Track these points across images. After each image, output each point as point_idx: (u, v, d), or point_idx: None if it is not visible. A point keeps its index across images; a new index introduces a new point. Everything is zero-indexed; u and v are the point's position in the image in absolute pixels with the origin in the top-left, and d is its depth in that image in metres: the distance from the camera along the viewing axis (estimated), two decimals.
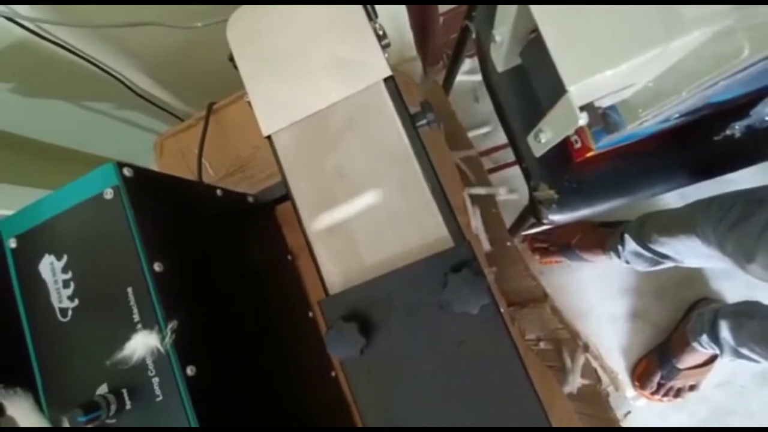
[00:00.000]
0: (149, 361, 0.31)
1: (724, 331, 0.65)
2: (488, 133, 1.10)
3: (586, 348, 0.72)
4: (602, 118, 0.27)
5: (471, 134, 0.87)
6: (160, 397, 0.31)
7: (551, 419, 0.31)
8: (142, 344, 0.31)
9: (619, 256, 0.77)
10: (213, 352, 0.36)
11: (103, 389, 0.32)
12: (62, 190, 0.32)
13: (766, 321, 0.59)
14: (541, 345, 0.76)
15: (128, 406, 0.31)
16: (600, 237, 0.83)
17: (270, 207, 0.50)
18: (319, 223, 0.39)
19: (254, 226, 0.48)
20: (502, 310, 0.33)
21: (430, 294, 0.33)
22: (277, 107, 0.41)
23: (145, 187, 0.32)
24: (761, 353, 0.58)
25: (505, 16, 0.31)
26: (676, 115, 0.34)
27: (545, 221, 0.49)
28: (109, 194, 0.30)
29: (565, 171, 0.44)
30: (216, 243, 0.41)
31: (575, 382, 0.71)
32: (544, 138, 0.28)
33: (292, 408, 0.45)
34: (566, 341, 0.73)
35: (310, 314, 0.52)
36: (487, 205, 0.75)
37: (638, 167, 0.43)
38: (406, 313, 0.33)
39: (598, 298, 0.88)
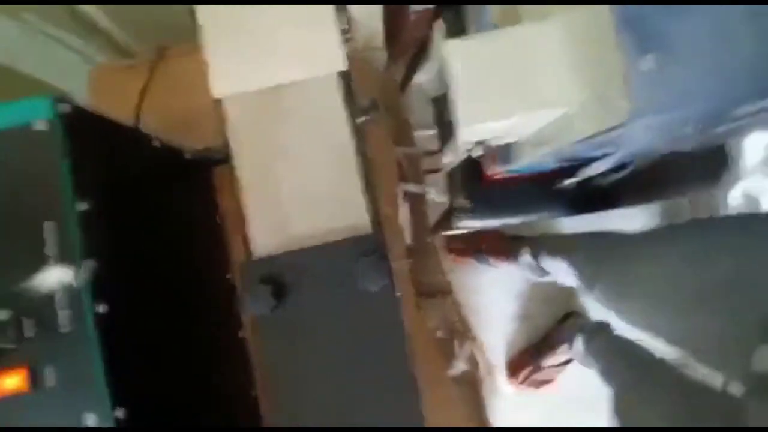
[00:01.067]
0: (60, 296, 0.32)
1: (578, 343, 0.80)
2: (435, 135, 1.17)
3: (473, 340, 0.84)
4: (497, 151, 0.34)
5: (419, 133, 0.93)
6: (68, 329, 0.32)
7: (431, 394, 0.39)
8: (54, 278, 0.32)
9: (517, 265, 0.90)
10: (128, 294, 0.37)
11: (3, 314, 0.32)
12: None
13: (608, 341, 0.74)
14: (438, 333, 0.87)
15: (30, 334, 0.32)
16: (506, 246, 0.95)
17: (208, 167, 0.51)
18: (254, 191, 0.42)
19: (188, 182, 0.49)
20: (398, 294, 0.39)
21: (341, 270, 0.38)
22: (232, 73, 0.42)
23: (80, 126, 0.32)
24: (597, 366, 0.73)
25: (436, 52, 0.36)
26: (559, 162, 0.43)
27: (457, 227, 0.56)
28: (41, 125, 0.30)
29: (478, 187, 0.52)
30: (146, 192, 0.42)
31: (458, 367, 0.83)
32: (446, 159, 0.34)
33: (199, 358, 0.48)
34: (459, 332, 0.84)
35: (228, 276, 0.55)
36: (417, 202, 0.82)
37: (534, 194, 0.52)
38: (318, 284, 0.38)
39: (496, 298, 1.01)
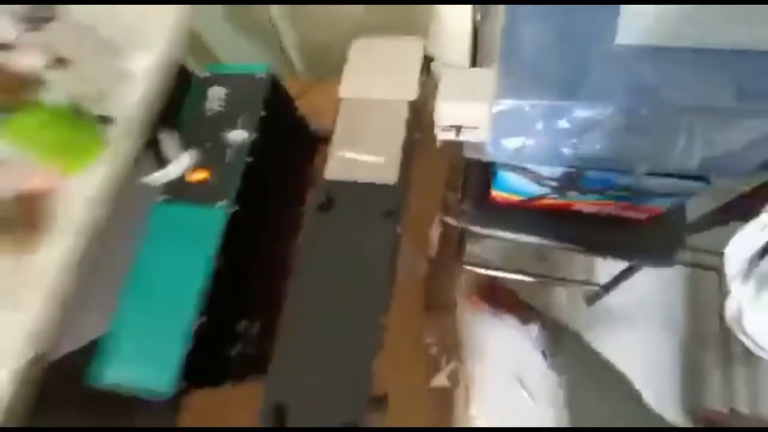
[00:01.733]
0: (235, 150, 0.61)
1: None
2: None
3: (461, 361, 0.92)
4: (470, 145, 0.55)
5: None
6: (230, 159, 0.60)
7: (407, 399, 0.56)
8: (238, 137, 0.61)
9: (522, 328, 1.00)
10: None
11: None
12: (245, 65, 0.65)
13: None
14: (432, 350, 0.97)
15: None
16: (521, 309, 1.05)
17: (317, 140, 0.81)
18: (338, 147, 0.69)
19: (306, 142, 0.79)
20: (398, 230, 0.60)
21: (367, 204, 0.61)
22: (352, 85, 0.73)
23: (275, 82, 0.64)
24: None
25: None
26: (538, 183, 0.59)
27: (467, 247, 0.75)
28: (260, 75, 0.63)
29: (484, 202, 0.71)
30: (288, 132, 0.72)
31: (440, 380, 0.91)
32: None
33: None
34: (450, 349, 0.94)
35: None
36: (450, 230, 1.01)
37: (524, 216, 0.69)
38: (353, 206, 0.61)
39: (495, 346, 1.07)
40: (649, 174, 0.50)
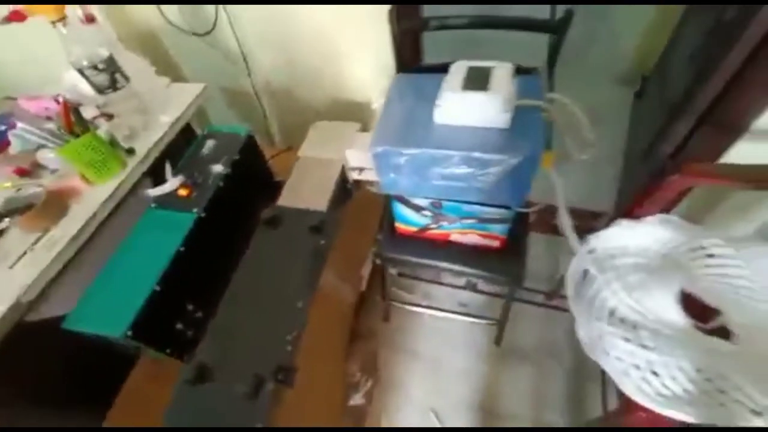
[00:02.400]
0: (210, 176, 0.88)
1: None
2: None
3: (378, 380, 1.05)
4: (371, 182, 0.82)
5: None
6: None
7: (325, 415, 0.78)
8: (215, 171, 0.88)
9: None
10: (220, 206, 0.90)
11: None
12: (232, 126, 0.96)
13: None
14: (356, 377, 1.10)
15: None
16: None
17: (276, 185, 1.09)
18: (291, 189, 0.96)
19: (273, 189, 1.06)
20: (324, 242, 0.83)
21: (304, 225, 0.85)
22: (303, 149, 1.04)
23: (251, 141, 0.95)
24: None
25: None
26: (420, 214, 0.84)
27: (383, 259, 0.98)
28: (242, 134, 0.93)
29: (393, 235, 0.96)
30: (254, 175, 1.00)
31: (356, 398, 1.02)
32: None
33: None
34: (371, 371, 1.07)
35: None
36: (378, 269, 1.22)
37: (418, 245, 0.93)
38: (293, 226, 0.86)
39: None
40: (471, 203, 0.77)
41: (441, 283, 1.39)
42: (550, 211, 0.83)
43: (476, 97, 0.63)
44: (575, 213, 0.83)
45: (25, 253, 0.68)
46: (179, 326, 0.76)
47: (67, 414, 0.77)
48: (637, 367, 0.73)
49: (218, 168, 0.86)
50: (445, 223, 0.86)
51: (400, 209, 0.87)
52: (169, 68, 1.28)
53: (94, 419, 0.78)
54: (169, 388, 0.69)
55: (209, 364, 0.70)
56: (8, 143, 0.83)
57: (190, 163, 0.89)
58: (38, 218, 0.70)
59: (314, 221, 0.86)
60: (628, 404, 0.74)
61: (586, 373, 1.16)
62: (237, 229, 0.88)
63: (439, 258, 0.92)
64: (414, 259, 0.94)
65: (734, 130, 0.95)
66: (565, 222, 0.80)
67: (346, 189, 1.02)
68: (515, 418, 1.10)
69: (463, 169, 0.68)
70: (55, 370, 0.74)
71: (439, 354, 1.23)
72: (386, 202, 1.00)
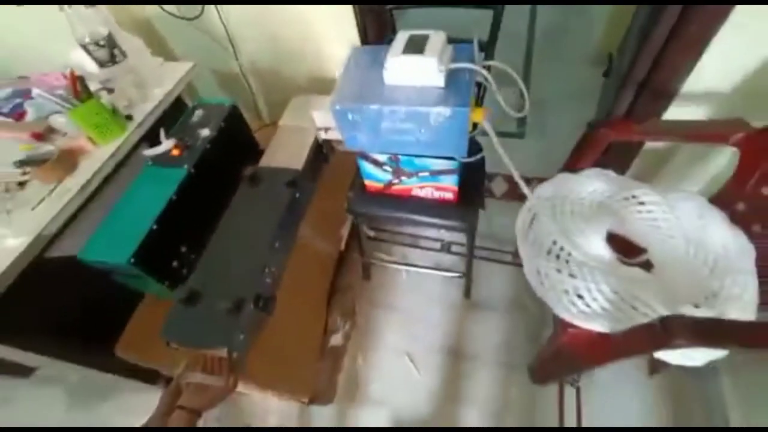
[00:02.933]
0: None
1: None
2: None
3: (355, 323, 1.18)
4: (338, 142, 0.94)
5: None
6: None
7: (305, 355, 0.91)
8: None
9: None
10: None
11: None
12: (219, 99, 1.08)
13: None
14: (337, 322, 1.23)
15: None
16: None
17: (258, 152, 1.22)
18: (271, 151, 1.09)
19: (257, 154, 1.19)
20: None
21: (282, 181, 0.98)
22: (289, 117, 1.16)
23: (235, 111, 1.07)
24: None
25: None
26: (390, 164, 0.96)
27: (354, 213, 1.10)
28: (228, 105, 1.06)
29: (363, 192, 1.08)
30: (236, 141, 1.13)
31: (336, 340, 1.16)
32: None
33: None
34: (348, 315, 1.20)
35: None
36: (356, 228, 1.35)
37: (385, 199, 1.05)
38: (273, 182, 0.98)
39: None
40: (423, 156, 0.89)
41: (418, 246, 1.52)
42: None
43: (414, 59, 0.75)
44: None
45: (43, 199, 0.81)
46: (175, 264, 0.90)
47: (81, 340, 0.90)
48: (566, 292, 0.86)
49: (206, 132, 0.99)
50: (404, 178, 0.99)
51: (365, 166, 1.00)
52: (162, 50, 1.41)
53: (105, 346, 0.92)
54: None
55: (199, 290, 0.83)
56: (24, 114, 0.96)
57: (182, 128, 1.02)
58: (53, 171, 0.84)
59: (290, 177, 0.98)
60: (561, 324, 0.86)
61: (546, 322, 1.28)
62: (223, 185, 1.01)
63: (402, 210, 1.05)
64: (380, 213, 1.07)
65: (666, 95, 1.06)
66: (511, 168, 0.91)
67: (322, 153, 1.14)
68: (480, 359, 1.23)
69: (408, 124, 0.80)
70: (72, 302, 0.88)
71: (413, 307, 1.36)
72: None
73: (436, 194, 1.01)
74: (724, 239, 0.87)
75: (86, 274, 0.81)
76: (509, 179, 1.63)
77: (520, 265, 1.49)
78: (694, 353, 0.78)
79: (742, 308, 0.77)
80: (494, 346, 1.26)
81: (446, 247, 1.51)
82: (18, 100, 0.98)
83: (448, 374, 1.22)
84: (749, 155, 0.86)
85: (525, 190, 0.91)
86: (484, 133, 0.83)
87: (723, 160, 1.10)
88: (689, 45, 0.93)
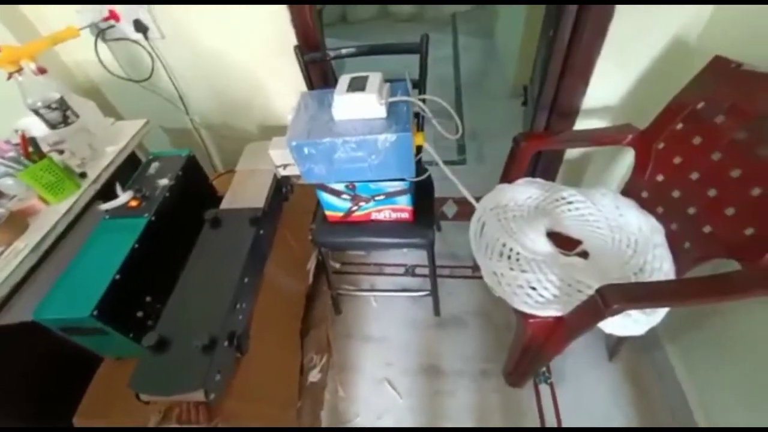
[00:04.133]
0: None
1: None
2: None
3: (331, 356, 1.17)
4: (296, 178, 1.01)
5: None
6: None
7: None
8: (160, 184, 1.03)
9: None
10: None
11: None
12: (175, 150, 1.12)
13: None
14: (313, 359, 1.21)
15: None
16: None
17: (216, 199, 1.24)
18: (231, 195, 1.12)
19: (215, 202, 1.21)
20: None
21: (245, 220, 1.01)
22: (240, 165, 1.22)
23: (193, 161, 1.11)
24: None
25: None
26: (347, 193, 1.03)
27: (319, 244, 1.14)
28: (183, 156, 1.09)
29: (325, 223, 1.14)
30: (195, 193, 1.15)
31: (313, 374, 1.14)
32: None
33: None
34: (324, 349, 1.19)
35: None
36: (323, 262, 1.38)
37: (344, 228, 1.11)
38: (235, 223, 1.01)
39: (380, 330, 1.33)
40: (376, 180, 0.98)
41: (384, 274, 1.57)
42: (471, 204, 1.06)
43: (357, 96, 0.86)
44: None
45: None
46: (139, 314, 0.87)
47: (38, 410, 0.82)
48: (521, 287, 0.95)
49: (164, 181, 1.02)
50: (363, 203, 1.06)
51: (325, 197, 1.06)
52: (112, 113, 1.43)
53: (64, 413, 0.84)
54: None
55: (167, 335, 0.81)
56: None
57: (139, 180, 1.03)
58: (1, 233, 0.81)
59: (252, 215, 1.02)
60: (521, 317, 0.94)
61: (511, 326, 1.36)
62: (184, 231, 1.01)
63: (364, 235, 1.11)
64: (343, 240, 1.12)
65: (570, 112, 1.27)
66: (457, 183, 1.01)
67: (281, 192, 1.20)
68: (457, 373, 1.26)
69: (359, 152, 0.90)
70: (25, 371, 0.81)
71: (386, 332, 1.38)
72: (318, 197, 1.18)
73: (393, 215, 1.10)
74: (638, 222, 1.03)
75: (38, 342, 0.77)
76: (459, 202, 1.77)
77: (480, 278, 1.59)
78: (633, 323, 0.89)
79: (664, 276, 0.91)
80: (468, 358, 1.30)
81: (410, 271, 1.57)
82: None
83: (430, 393, 1.23)
84: (642, 152, 1.05)
85: (471, 200, 1.02)
86: (431, 163, 0.94)
87: (628, 159, 1.31)
88: (579, 72, 1.15)
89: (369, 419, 1.18)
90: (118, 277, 0.81)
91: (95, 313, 0.75)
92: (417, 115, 1.14)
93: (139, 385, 0.75)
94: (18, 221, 0.85)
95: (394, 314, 1.43)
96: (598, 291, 0.72)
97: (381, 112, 0.88)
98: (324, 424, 1.13)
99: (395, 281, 1.55)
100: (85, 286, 0.79)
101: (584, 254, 1.04)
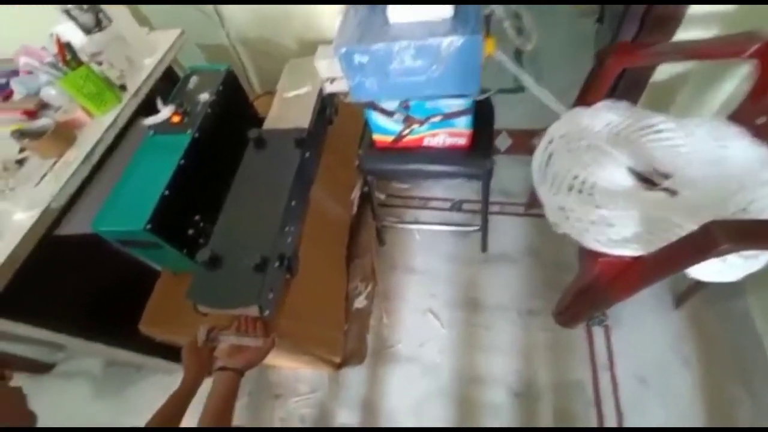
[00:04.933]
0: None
1: None
2: None
3: (376, 284, 1.16)
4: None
5: None
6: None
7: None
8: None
9: None
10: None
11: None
12: (213, 65, 1.04)
13: None
14: (358, 286, 1.21)
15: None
16: None
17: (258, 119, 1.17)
18: (274, 114, 1.05)
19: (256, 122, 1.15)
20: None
21: (291, 141, 0.94)
22: (284, 87, 1.12)
23: (231, 75, 1.03)
24: None
25: None
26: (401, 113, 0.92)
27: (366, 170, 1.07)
28: (222, 70, 1.01)
29: (372, 149, 1.05)
30: (236, 105, 1.08)
31: (359, 301, 1.14)
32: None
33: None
34: (369, 278, 1.19)
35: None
36: (368, 194, 1.32)
37: (395, 153, 1.02)
38: (281, 144, 0.95)
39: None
40: (434, 97, 0.86)
41: (428, 208, 1.50)
42: (527, 135, 0.92)
43: None
44: None
45: (46, 174, 0.78)
46: (191, 232, 0.87)
47: (103, 321, 0.88)
48: (594, 223, 0.84)
49: (204, 96, 0.95)
50: (416, 126, 0.96)
51: (375, 117, 0.96)
52: (145, 24, 1.34)
53: (127, 326, 0.89)
54: None
55: (220, 253, 0.80)
56: (11, 93, 0.91)
57: (179, 95, 0.97)
58: (51, 144, 0.79)
59: (298, 135, 0.95)
60: (588, 256, 0.85)
61: (563, 266, 1.28)
62: (228, 150, 0.97)
63: (415, 162, 1.02)
64: (393, 167, 1.04)
65: (672, 18, 1.04)
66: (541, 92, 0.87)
67: (325, 114, 1.11)
68: (502, 309, 1.23)
69: (418, 61, 0.77)
70: (89, 282, 0.85)
71: (430, 266, 1.35)
72: (365, 121, 1.09)
73: (449, 141, 0.99)
74: (745, 155, 0.86)
75: (100, 253, 0.78)
76: (513, 134, 1.61)
77: (533, 216, 1.48)
78: (729, 268, 0.77)
79: None
80: (515, 295, 1.25)
81: (457, 206, 1.49)
82: (2, 80, 0.93)
83: (473, 326, 1.21)
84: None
85: (553, 104, 0.87)
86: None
87: (735, 80, 1.08)
88: None
89: (411, 346, 1.19)
90: (167, 192, 0.79)
91: (149, 226, 0.74)
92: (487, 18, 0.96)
93: (196, 297, 0.76)
94: (65, 133, 0.83)
95: (439, 248, 1.38)
96: (705, 227, 0.61)
97: (447, 10, 0.74)
98: (369, 348, 1.16)
99: (440, 215, 1.48)
100: (137, 201, 0.77)
101: (671, 191, 0.90)
